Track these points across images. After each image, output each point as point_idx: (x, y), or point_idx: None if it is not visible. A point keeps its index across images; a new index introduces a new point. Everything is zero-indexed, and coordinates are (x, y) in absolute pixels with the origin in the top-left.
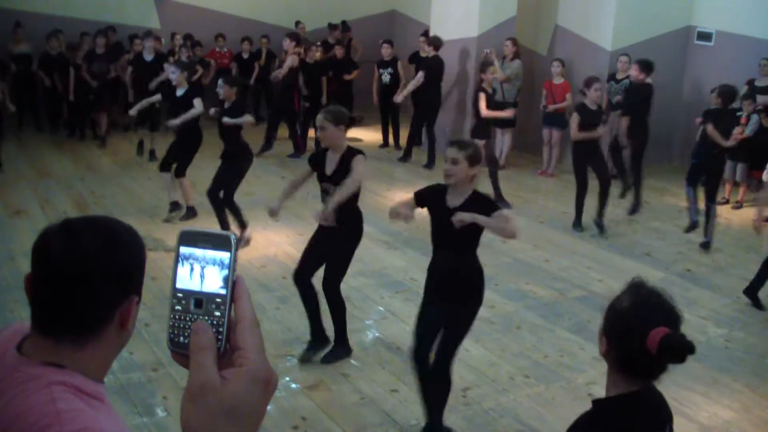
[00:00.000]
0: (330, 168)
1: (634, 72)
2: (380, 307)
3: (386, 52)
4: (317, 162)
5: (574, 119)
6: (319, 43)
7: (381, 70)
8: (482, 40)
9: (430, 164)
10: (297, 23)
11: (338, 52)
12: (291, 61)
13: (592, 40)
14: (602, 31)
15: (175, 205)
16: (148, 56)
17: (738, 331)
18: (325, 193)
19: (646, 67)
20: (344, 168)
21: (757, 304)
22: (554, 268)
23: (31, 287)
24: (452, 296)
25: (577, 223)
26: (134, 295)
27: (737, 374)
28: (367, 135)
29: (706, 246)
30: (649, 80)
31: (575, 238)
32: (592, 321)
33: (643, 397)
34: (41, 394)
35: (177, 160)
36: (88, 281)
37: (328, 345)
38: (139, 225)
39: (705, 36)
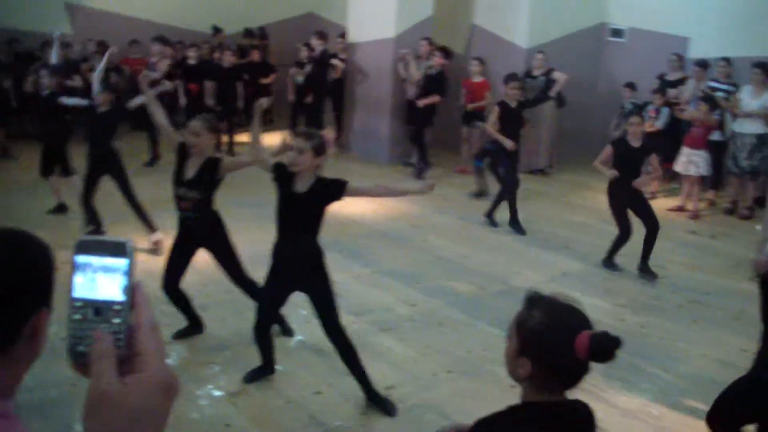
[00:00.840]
0: (190, 173)
1: (437, 59)
2: (302, 311)
3: (303, 54)
4: (183, 159)
5: (607, 151)
6: (234, 47)
7: (296, 70)
8: (400, 41)
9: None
10: (214, 28)
11: (254, 55)
12: (163, 67)
13: (508, 38)
14: (518, 29)
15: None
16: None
17: (654, 317)
18: (179, 200)
19: (447, 54)
20: (205, 174)
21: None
22: (474, 263)
23: None
24: (303, 278)
25: (609, 262)
26: (44, 308)
27: (654, 358)
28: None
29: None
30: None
31: (494, 233)
32: (513, 314)
33: (572, 405)
34: None
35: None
36: None
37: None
38: (52, 236)
39: (618, 33)
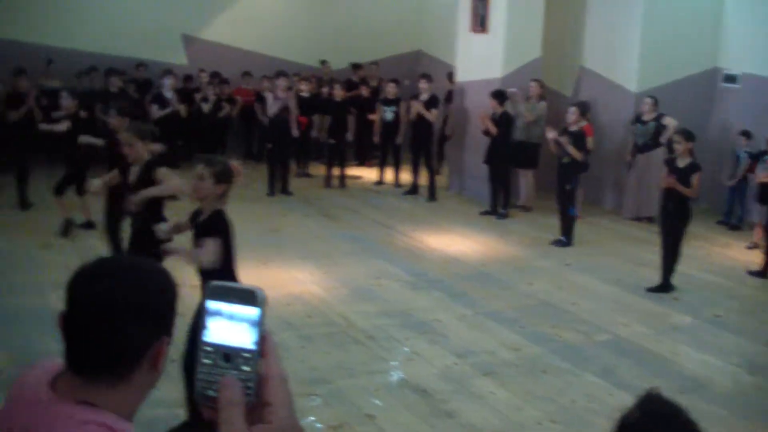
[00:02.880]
0: (132, 178)
1: (492, 104)
2: (405, 348)
3: (391, 90)
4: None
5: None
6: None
7: (384, 108)
8: (506, 81)
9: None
10: (322, 62)
11: (364, 91)
12: (290, 97)
13: (617, 81)
14: (627, 72)
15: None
16: (168, 93)
17: None
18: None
19: (500, 95)
20: (145, 177)
21: None
22: (580, 310)
23: (64, 325)
24: None
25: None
26: (165, 336)
27: None
28: (372, 173)
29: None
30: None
31: (600, 282)
32: (620, 366)
33: None
34: None
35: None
36: (118, 322)
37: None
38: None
39: (731, 78)
